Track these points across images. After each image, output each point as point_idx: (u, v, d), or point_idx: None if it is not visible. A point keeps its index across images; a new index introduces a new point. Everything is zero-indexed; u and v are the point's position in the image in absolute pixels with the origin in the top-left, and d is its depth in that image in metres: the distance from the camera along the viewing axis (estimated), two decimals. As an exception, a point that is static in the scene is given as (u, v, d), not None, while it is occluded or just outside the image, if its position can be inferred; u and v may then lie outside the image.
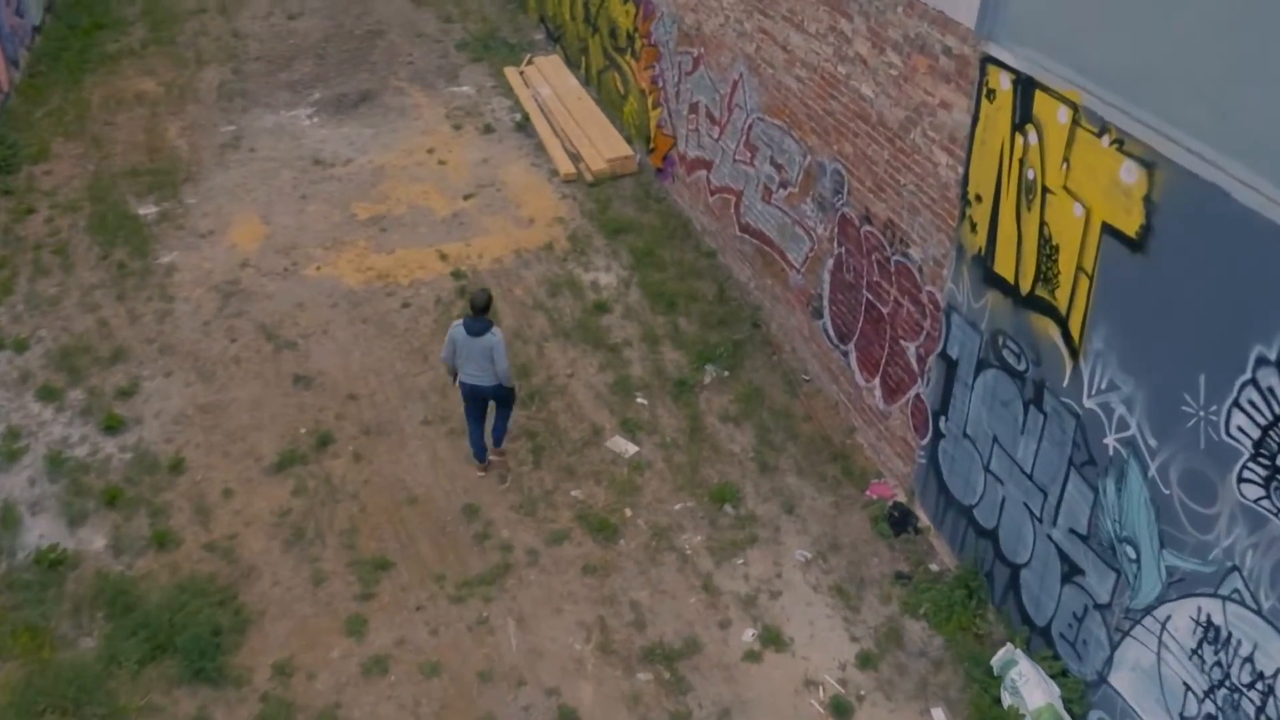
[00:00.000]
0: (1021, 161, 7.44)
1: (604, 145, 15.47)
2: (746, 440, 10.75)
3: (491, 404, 9.88)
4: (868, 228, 9.84)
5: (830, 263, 10.68)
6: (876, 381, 10.18)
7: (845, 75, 9.79)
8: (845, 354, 10.71)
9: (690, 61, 13.29)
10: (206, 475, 10.15)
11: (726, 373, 11.61)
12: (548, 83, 17.62)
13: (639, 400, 11.25)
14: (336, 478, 10.13)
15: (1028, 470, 7.92)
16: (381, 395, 11.24)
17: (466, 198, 14.89)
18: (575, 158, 15.63)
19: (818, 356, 11.30)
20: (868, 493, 10.12)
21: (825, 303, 10.91)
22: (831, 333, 10.91)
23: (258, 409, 10.99)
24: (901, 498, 9.95)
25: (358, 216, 14.43)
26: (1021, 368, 7.81)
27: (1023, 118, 7.37)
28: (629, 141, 15.67)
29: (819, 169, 10.56)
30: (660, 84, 14.48)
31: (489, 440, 10.11)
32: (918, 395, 9.49)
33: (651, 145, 15.24)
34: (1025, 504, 8.02)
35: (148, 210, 14.36)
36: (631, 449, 10.61)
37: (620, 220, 14.17)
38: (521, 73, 18.33)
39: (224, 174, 15.33)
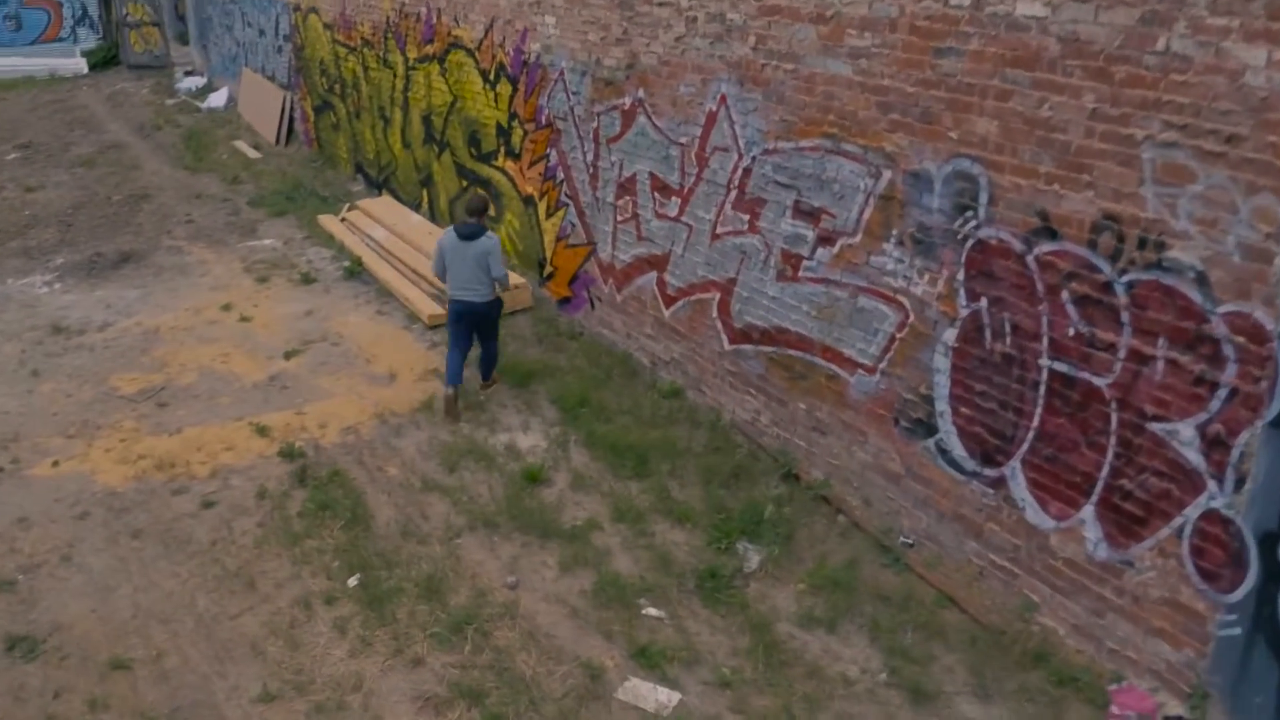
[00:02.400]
0: None
1: (481, 276, 10.98)
2: (862, 653, 6.07)
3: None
4: (1048, 246, 5.72)
5: (949, 335, 6.44)
6: (1086, 514, 5.81)
7: (973, 5, 5.90)
8: (996, 483, 6.34)
9: (618, 119, 9.24)
10: None
11: (775, 549, 6.97)
12: (381, 224, 13.22)
13: (649, 612, 6.42)
14: None
15: None
16: (177, 658, 5.95)
17: (289, 356, 9.99)
18: (442, 296, 11.06)
19: (927, 500, 6.86)
20: (1112, 710, 5.55)
21: (940, 407, 6.60)
22: (959, 454, 6.55)
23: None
24: (1180, 710, 5.44)
25: (119, 391, 9.25)
26: None
27: None
28: (513, 270, 11.27)
29: (915, 185, 6.50)
30: (561, 176, 10.33)
31: (471, 372, 9.03)
32: (1208, 515, 5.18)
33: (549, 269, 10.91)
34: None
35: None
36: (668, 697, 5.70)
37: (525, 365, 9.58)
38: (343, 219, 13.87)
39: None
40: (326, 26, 16.26)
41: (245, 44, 21.22)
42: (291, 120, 18.99)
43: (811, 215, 7.35)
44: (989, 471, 6.41)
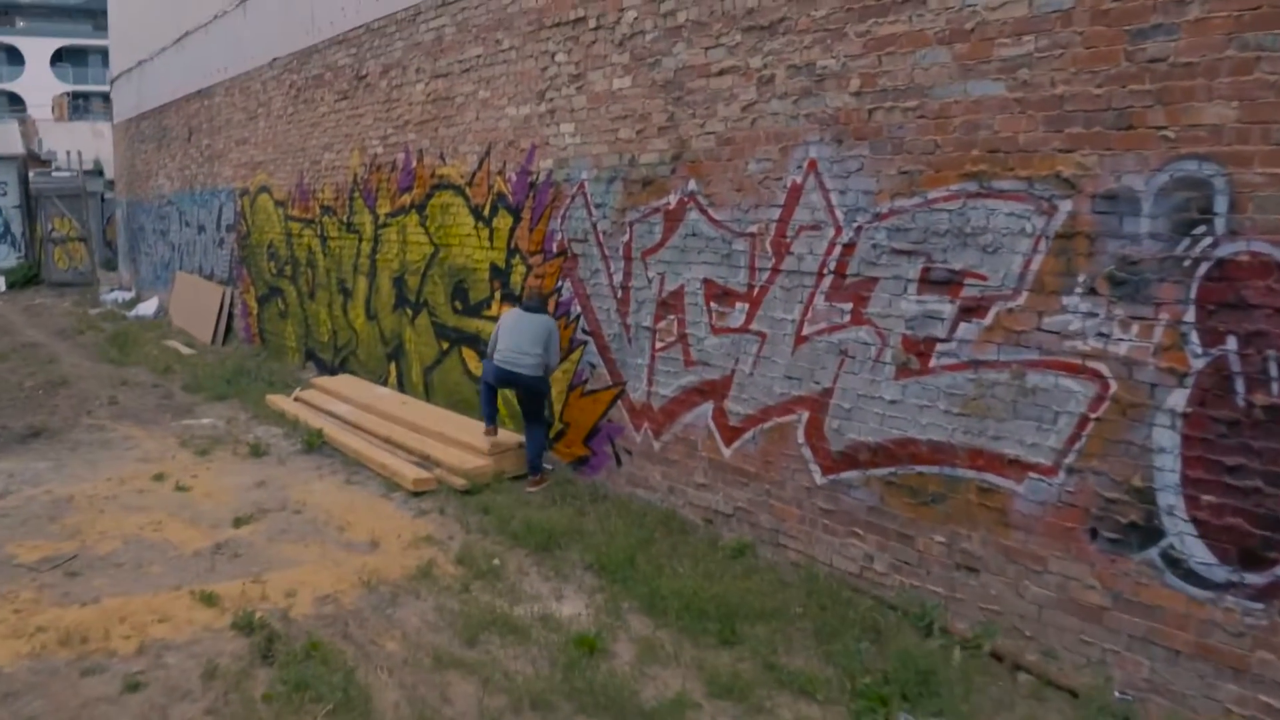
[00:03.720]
0: None
1: (478, 438, 9.14)
2: None
3: (518, 406, 8.66)
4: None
5: (1175, 400, 4.80)
6: None
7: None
8: (1266, 593, 4.52)
9: (659, 224, 7.77)
10: None
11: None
12: (343, 400, 11.35)
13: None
14: None
15: None
16: None
17: (239, 524, 7.88)
18: (428, 462, 9.13)
19: (1151, 636, 4.99)
20: None
21: (1166, 501, 4.85)
22: (1201, 561, 4.76)
23: None
24: None
25: (16, 559, 6.98)
26: None
27: None
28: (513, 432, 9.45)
29: (1111, 211, 5.03)
30: (577, 311, 8.74)
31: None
32: None
33: (557, 427, 9.09)
34: None
35: None
36: None
37: (543, 527, 7.58)
38: (296, 399, 11.96)
39: None
40: (279, 204, 14.91)
41: (181, 246, 19.82)
42: (230, 318, 17.31)
43: (947, 284, 5.78)
44: (1254, 578, 4.59)
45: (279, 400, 11.97)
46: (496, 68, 9.56)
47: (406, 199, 11.34)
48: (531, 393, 8.57)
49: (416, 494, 8.60)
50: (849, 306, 6.38)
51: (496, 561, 7.03)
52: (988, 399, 5.62)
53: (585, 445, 8.76)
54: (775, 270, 6.86)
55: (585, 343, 8.66)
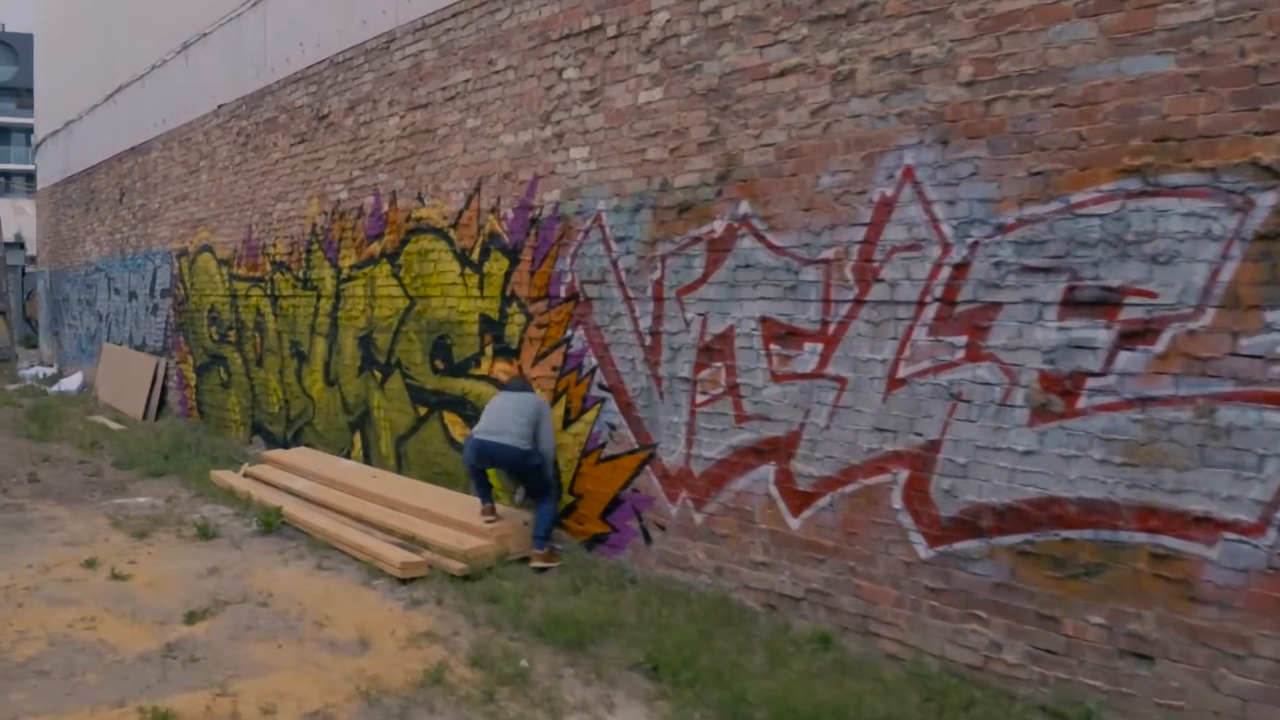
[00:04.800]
0: None
1: (470, 515, 7.82)
2: None
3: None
4: None
5: None
6: None
7: None
8: None
9: (700, 256, 6.64)
10: None
11: None
12: (302, 475, 9.93)
13: None
14: None
15: None
16: None
17: (192, 619, 6.45)
18: (413, 543, 7.76)
19: None
20: None
21: None
22: None
23: None
24: None
25: None
26: None
27: None
28: (513, 507, 8.15)
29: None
30: (591, 363, 7.54)
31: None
32: None
33: (570, 498, 7.81)
34: None
35: None
36: None
37: (574, 618, 6.24)
38: (246, 474, 10.49)
39: None
40: (222, 263, 13.55)
41: (110, 315, 18.24)
42: (165, 390, 15.73)
43: (1101, 305, 4.71)
44: None
45: (226, 476, 10.48)
46: (489, 91, 8.46)
47: (376, 248, 10.09)
48: (520, 469, 7.61)
49: (405, 581, 7.21)
50: (962, 340, 5.28)
51: (524, 663, 5.68)
52: (1163, 444, 4.51)
53: (603, 520, 7.47)
54: (858, 302, 5.75)
55: (602, 400, 7.44)
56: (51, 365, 22.14)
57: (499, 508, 7.76)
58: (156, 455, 11.86)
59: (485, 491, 7.73)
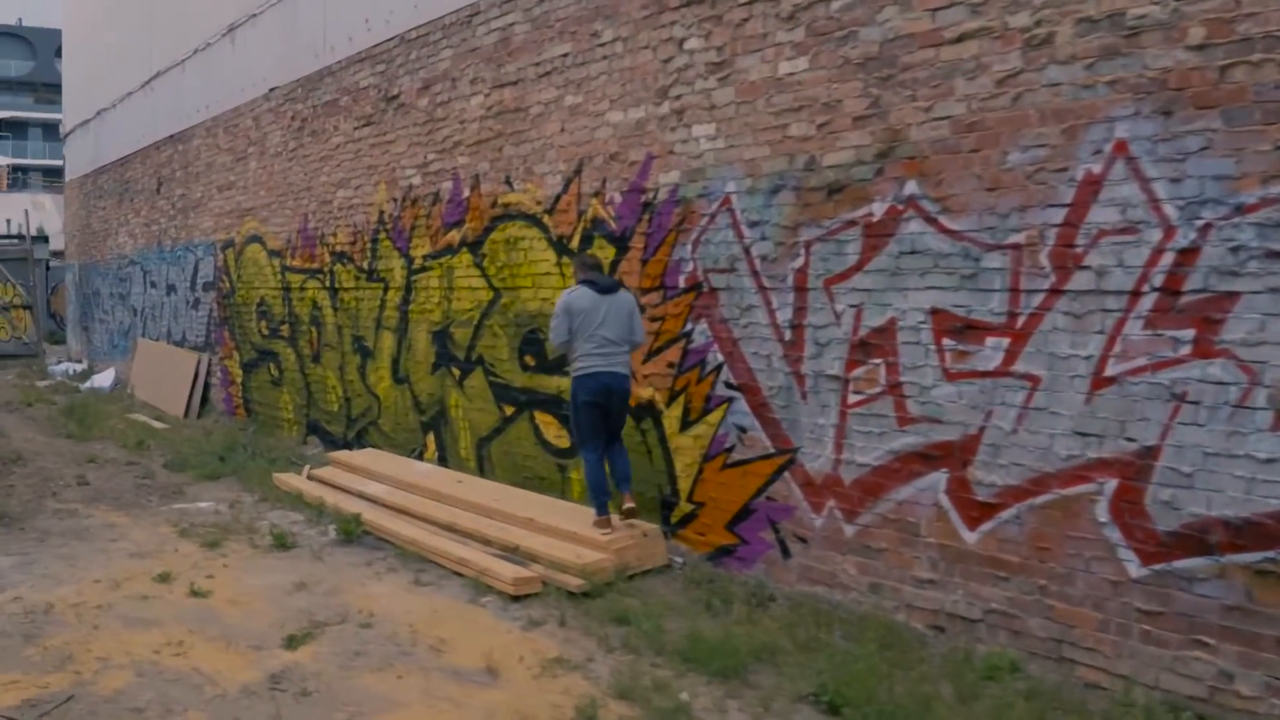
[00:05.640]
0: None
1: (578, 524, 7.19)
2: None
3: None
4: None
5: None
6: None
7: None
8: None
9: (855, 241, 5.99)
10: None
11: None
12: (375, 479, 9.30)
13: None
14: None
15: None
16: None
17: (292, 644, 5.81)
18: (516, 555, 7.12)
19: None
20: None
21: None
22: None
23: None
24: None
25: None
26: None
27: None
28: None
29: None
30: (717, 359, 6.90)
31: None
32: None
33: (683, 508, 7.16)
34: None
35: None
36: None
37: (724, 643, 5.58)
38: (310, 477, 9.88)
39: None
40: (274, 254, 12.92)
41: (146, 310, 17.65)
42: (207, 388, 15.12)
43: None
44: None
45: (291, 480, 9.87)
46: (593, 66, 7.81)
47: (455, 236, 9.45)
48: (626, 400, 7.05)
49: (516, 598, 6.57)
50: (1189, 334, 4.62)
51: (684, 696, 5.03)
52: None
53: (729, 531, 6.83)
54: (1055, 291, 5.10)
55: (730, 400, 6.79)
56: (81, 361, 21.56)
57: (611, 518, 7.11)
58: (210, 457, 11.25)
59: (606, 493, 7.03)
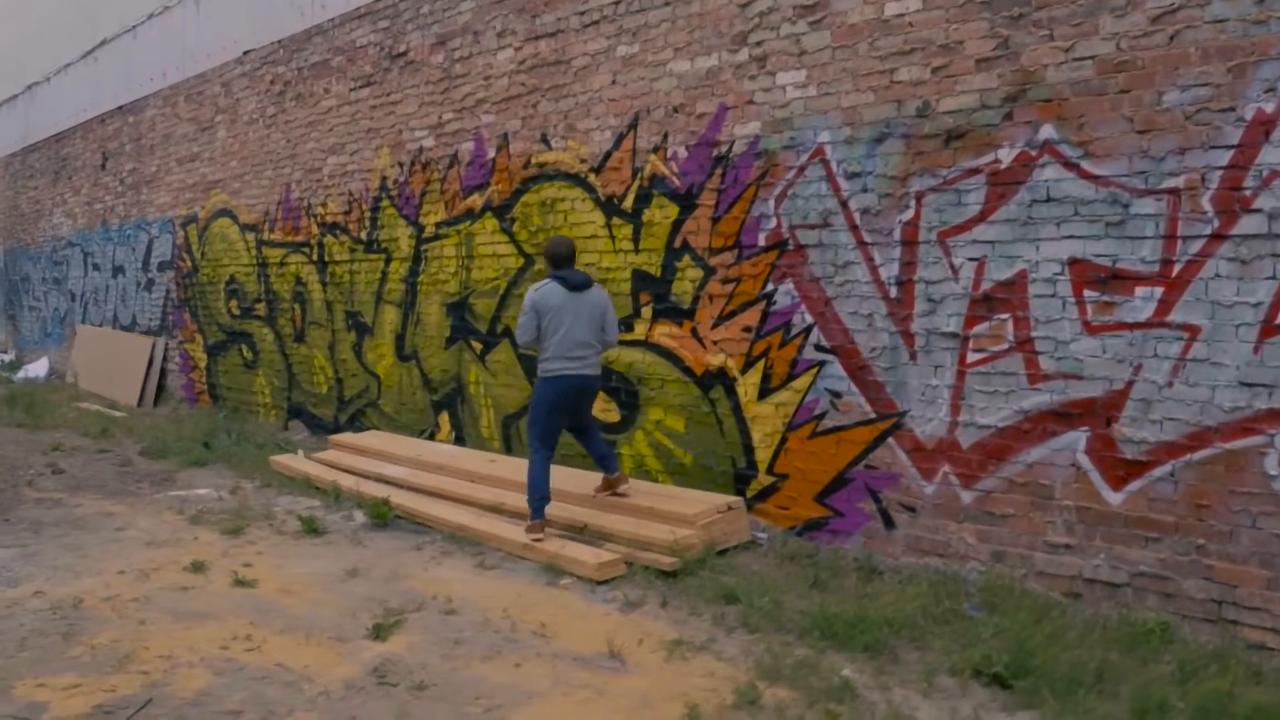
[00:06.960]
0: None
1: (659, 501, 6.72)
2: None
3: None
4: None
5: None
6: None
7: None
8: None
9: (980, 189, 5.62)
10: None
11: None
12: (391, 460, 8.69)
13: None
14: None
15: None
16: None
17: (380, 633, 5.22)
18: (585, 535, 6.62)
19: None
20: None
21: None
22: None
23: None
24: None
25: (48, 709, 4.30)
26: None
27: None
28: (684, 485, 7.06)
29: None
30: (807, 321, 6.48)
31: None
32: None
33: (764, 480, 6.74)
34: None
35: None
36: None
37: (861, 618, 5.16)
38: (311, 460, 9.21)
39: None
40: (247, 228, 12.11)
41: (86, 294, 16.55)
42: (163, 375, 14.18)
43: None
44: None
45: (293, 463, 9.19)
46: (652, 13, 7.33)
47: (477, 200, 8.87)
48: (595, 397, 6.93)
49: (602, 582, 6.07)
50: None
51: (846, 672, 4.61)
52: None
53: (819, 504, 6.42)
54: (1218, 237, 4.80)
55: (820, 364, 6.38)
56: (7, 352, 20.20)
57: (690, 491, 6.64)
58: (191, 443, 10.46)
59: (546, 495, 6.63)
